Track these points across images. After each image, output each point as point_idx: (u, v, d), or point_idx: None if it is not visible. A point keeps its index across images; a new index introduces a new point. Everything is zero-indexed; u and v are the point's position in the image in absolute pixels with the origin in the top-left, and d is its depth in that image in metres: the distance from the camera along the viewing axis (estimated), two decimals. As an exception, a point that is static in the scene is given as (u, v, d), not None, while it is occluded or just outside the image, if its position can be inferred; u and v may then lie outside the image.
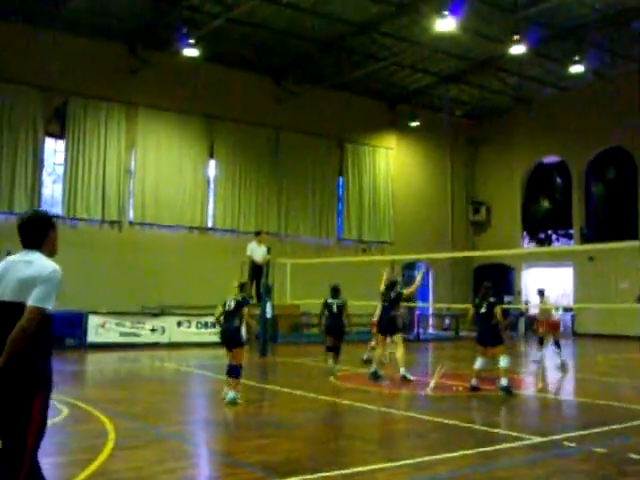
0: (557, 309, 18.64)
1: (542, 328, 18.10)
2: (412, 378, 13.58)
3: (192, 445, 8.22)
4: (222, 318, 11.12)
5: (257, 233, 20.55)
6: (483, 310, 12.47)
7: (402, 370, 13.64)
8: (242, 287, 11.53)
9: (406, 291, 14.26)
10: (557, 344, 17.42)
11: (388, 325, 13.91)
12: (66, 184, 24.28)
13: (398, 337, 13.86)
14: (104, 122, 25.02)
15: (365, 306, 20.21)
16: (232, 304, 10.99)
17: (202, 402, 12.36)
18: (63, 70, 23.74)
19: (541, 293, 18.24)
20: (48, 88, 23.78)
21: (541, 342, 18.04)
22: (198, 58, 24.91)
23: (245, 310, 11.01)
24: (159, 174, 26.05)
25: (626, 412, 10.72)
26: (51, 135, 24.65)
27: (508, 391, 11.84)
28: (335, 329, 14.66)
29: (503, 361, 12.07)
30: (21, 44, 23.05)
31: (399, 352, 13.72)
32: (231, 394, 10.57)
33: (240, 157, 28.03)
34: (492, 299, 12.46)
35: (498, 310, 12.32)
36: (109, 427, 8.59)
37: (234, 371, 10.79)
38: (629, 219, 29.65)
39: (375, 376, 13.58)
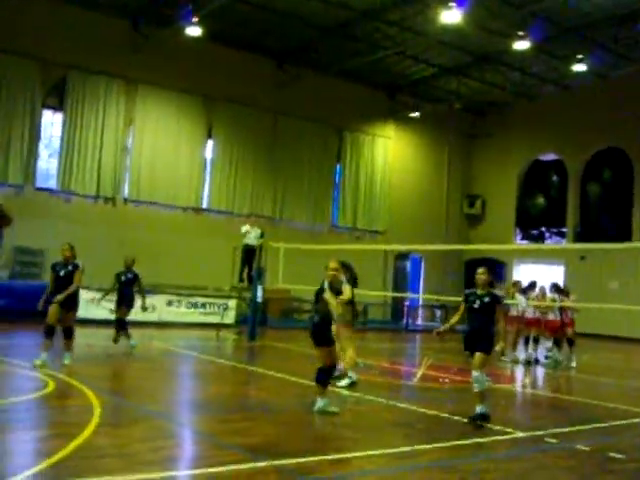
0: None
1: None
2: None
3: (177, 425, 8.23)
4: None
5: (248, 216, 20.66)
6: (477, 305, 9.25)
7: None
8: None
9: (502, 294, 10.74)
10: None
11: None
12: (62, 157, 24.18)
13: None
14: (103, 97, 24.89)
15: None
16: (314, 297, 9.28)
17: (189, 382, 12.38)
18: (64, 43, 23.60)
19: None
20: (48, 60, 23.61)
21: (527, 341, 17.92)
22: (201, 37, 24.79)
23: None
24: (156, 152, 25.95)
25: (609, 411, 10.81)
26: (49, 107, 24.52)
27: (483, 418, 8.85)
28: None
29: (477, 382, 8.92)
30: (22, 15, 22.91)
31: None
32: (319, 402, 8.95)
33: (238, 139, 27.94)
34: (495, 291, 9.56)
35: (500, 310, 9.39)
36: (95, 403, 8.60)
37: (321, 376, 9.03)
38: (623, 220, 29.74)
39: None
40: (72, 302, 11.71)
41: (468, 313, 9.37)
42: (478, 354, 8.95)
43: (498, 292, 9.27)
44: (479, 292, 9.29)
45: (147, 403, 9.26)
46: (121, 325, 14.47)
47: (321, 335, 9.05)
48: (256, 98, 27.89)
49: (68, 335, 11.75)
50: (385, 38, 25.92)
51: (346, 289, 9.33)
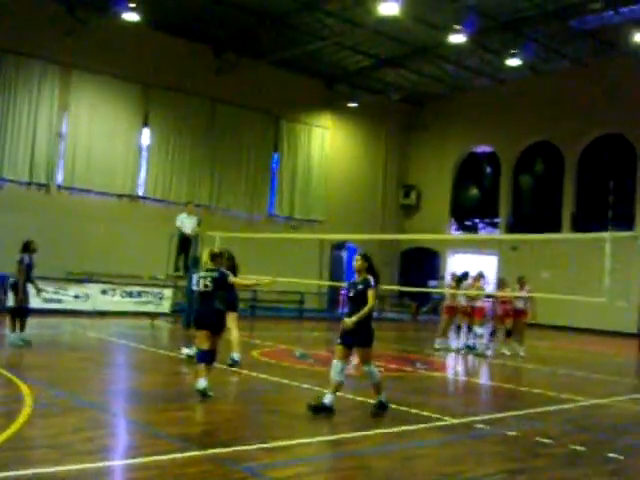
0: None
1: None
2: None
3: (111, 415, 8.17)
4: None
5: (185, 204, 20.52)
6: (352, 293, 8.85)
7: None
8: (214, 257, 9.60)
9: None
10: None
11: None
12: (-7, 143, 23.63)
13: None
14: (37, 82, 24.34)
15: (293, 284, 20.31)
16: (209, 284, 9.28)
17: (123, 372, 12.27)
18: (-3, 25, 23.03)
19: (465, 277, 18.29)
20: (-21, 43, 23.03)
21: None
22: (138, 23, 24.47)
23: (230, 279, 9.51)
24: (91, 139, 25.52)
25: (538, 397, 11.09)
26: (-21, 92, 23.89)
27: (383, 408, 8.80)
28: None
29: (371, 376, 8.80)
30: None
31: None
32: (203, 382, 8.93)
33: (175, 127, 27.68)
34: (369, 277, 8.75)
35: (371, 294, 8.63)
36: (26, 393, 8.47)
37: (212, 356, 9.31)
38: (553, 211, 30.46)
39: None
40: None
41: (348, 302, 9.05)
42: (360, 350, 8.71)
43: (371, 278, 8.70)
44: (356, 280, 8.86)
45: (80, 393, 9.15)
46: (27, 313, 13.54)
47: (221, 322, 9.41)
48: (193, 85, 27.65)
49: None
50: (324, 28, 25.96)
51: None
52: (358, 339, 8.60)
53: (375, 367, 8.87)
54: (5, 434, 6.50)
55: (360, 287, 8.73)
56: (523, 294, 17.30)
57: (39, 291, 13.85)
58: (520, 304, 17.47)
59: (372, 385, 8.83)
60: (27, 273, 13.36)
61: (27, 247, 13.49)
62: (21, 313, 13.35)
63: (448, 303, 17.93)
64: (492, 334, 17.96)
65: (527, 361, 16.27)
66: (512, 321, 17.45)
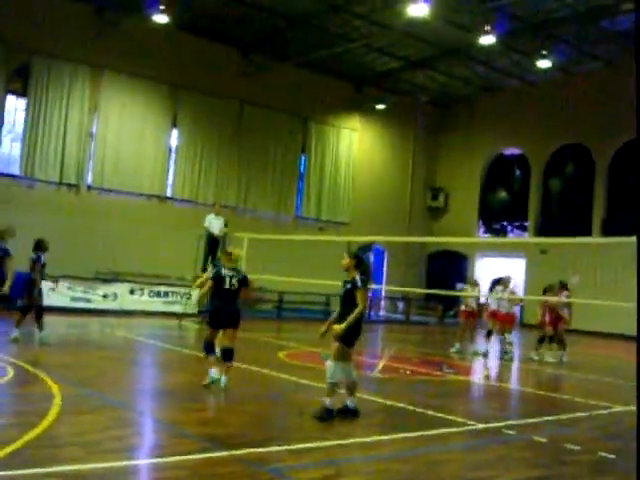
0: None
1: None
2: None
3: (138, 414, 8.22)
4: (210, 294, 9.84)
5: (213, 205, 20.56)
6: (341, 292, 8.65)
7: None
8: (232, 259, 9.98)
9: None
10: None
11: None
12: (25, 143, 23.88)
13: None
14: (68, 83, 24.60)
15: (320, 285, 20.28)
16: (235, 283, 9.65)
17: (151, 371, 12.33)
18: (28, 28, 23.22)
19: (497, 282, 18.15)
20: (12, 44, 23.25)
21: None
22: (167, 25, 24.61)
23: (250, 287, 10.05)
24: (120, 140, 25.73)
25: (566, 403, 11.01)
26: (13, 92, 24.16)
27: (328, 413, 8.23)
28: None
29: (329, 373, 8.36)
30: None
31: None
32: (224, 378, 9.35)
33: (203, 128, 27.82)
34: (357, 276, 8.45)
35: (359, 295, 8.36)
36: (55, 391, 8.54)
37: (231, 354, 9.61)
38: (583, 215, 30.14)
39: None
40: None
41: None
42: (336, 345, 8.36)
43: (359, 277, 8.40)
44: (347, 278, 8.58)
45: (108, 392, 9.21)
46: (42, 312, 13.39)
47: (238, 318, 9.71)
48: (222, 87, 27.76)
49: None
50: (352, 30, 25.95)
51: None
52: (339, 335, 8.32)
53: (344, 369, 8.39)
54: (34, 432, 6.56)
55: (348, 286, 8.50)
56: (562, 299, 17.14)
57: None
58: (560, 309, 17.34)
59: (327, 384, 8.34)
60: (42, 272, 13.29)
61: (40, 246, 13.31)
62: (28, 311, 13.11)
63: (464, 308, 17.95)
64: (541, 341, 17.65)
65: (556, 367, 16.13)
66: (551, 328, 17.31)
